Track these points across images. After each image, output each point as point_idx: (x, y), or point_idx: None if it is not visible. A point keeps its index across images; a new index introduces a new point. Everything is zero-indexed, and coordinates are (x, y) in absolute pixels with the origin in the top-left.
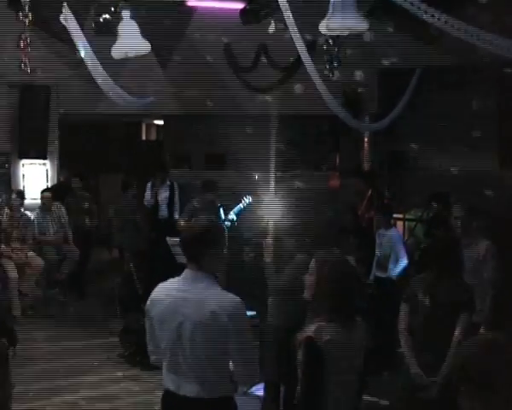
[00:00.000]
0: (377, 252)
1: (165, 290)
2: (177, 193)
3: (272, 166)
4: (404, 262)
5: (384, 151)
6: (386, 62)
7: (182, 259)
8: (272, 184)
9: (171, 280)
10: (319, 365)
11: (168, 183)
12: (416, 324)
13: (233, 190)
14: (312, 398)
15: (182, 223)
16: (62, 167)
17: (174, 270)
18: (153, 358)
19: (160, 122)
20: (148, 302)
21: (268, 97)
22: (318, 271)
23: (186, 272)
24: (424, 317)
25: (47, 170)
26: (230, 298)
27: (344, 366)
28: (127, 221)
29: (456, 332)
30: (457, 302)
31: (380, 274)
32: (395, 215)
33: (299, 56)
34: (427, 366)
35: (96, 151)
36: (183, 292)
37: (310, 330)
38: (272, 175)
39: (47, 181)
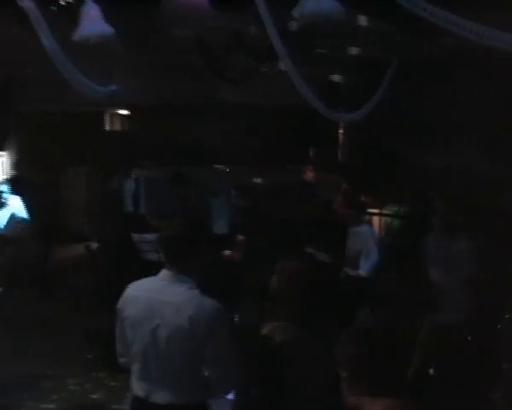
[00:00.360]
0: (347, 249)
1: (141, 290)
2: (142, 188)
3: (246, 159)
4: (374, 259)
5: (361, 144)
6: (365, 52)
7: (150, 256)
8: (245, 178)
9: (147, 279)
10: (273, 364)
11: (133, 177)
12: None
13: (204, 185)
14: (268, 398)
15: (157, 221)
16: (21, 160)
17: (138, 268)
18: (121, 360)
19: (126, 112)
20: (121, 301)
21: (241, 88)
22: (278, 272)
23: (164, 273)
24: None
25: (2, 162)
26: (210, 303)
27: (307, 368)
28: (106, 216)
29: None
30: (420, 304)
31: (349, 271)
32: (371, 210)
33: (271, 44)
34: None
35: (58, 143)
36: (160, 294)
37: (266, 329)
38: (245, 169)
39: (3, 174)
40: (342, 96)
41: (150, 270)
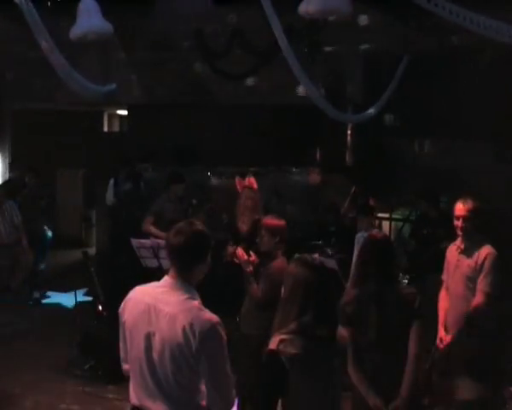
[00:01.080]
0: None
1: (142, 295)
2: (143, 190)
3: (247, 160)
4: None
5: (369, 145)
6: (372, 48)
7: (149, 262)
8: (243, 181)
9: (150, 285)
10: (281, 382)
11: (132, 178)
12: (364, 346)
13: (203, 186)
14: None
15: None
16: (15, 162)
17: (138, 274)
18: (125, 367)
19: (124, 112)
20: (123, 304)
21: (242, 86)
22: (286, 277)
23: (167, 280)
24: (372, 336)
25: None
26: (206, 317)
27: (317, 384)
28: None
29: (411, 346)
30: (406, 312)
31: None
32: (380, 215)
33: (276, 41)
34: (385, 391)
35: (53, 144)
36: (157, 300)
37: (274, 341)
38: (247, 171)
39: None
40: (350, 96)
41: (150, 277)
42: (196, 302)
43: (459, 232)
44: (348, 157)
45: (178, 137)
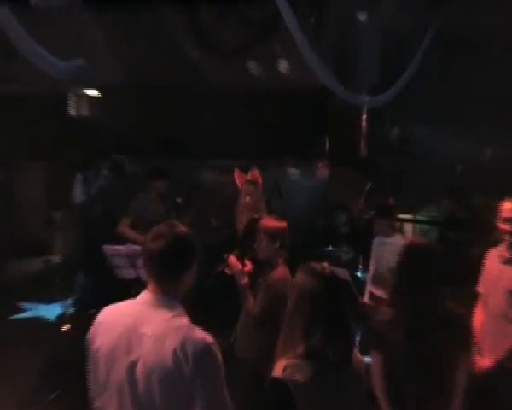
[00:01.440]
0: (373, 266)
1: (117, 317)
2: (117, 187)
3: (243, 152)
4: None
5: (387, 134)
6: (391, 17)
7: (125, 273)
8: (243, 175)
9: (123, 303)
10: None
11: (106, 173)
12: (399, 376)
13: (193, 184)
14: None
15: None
16: None
17: (112, 287)
18: (97, 404)
19: (96, 94)
20: (92, 330)
21: (239, 67)
22: (291, 289)
23: (146, 296)
24: (410, 364)
25: None
26: (198, 337)
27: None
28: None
29: (458, 378)
30: (453, 336)
31: (378, 293)
32: (402, 216)
33: (277, 10)
34: None
35: (10, 132)
36: (139, 322)
37: (278, 367)
38: (243, 164)
39: None
40: (365, 75)
41: (126, 290)
42: (185, 320)
43: (507, 238)
44: (363, 148)
45: (162, 125)
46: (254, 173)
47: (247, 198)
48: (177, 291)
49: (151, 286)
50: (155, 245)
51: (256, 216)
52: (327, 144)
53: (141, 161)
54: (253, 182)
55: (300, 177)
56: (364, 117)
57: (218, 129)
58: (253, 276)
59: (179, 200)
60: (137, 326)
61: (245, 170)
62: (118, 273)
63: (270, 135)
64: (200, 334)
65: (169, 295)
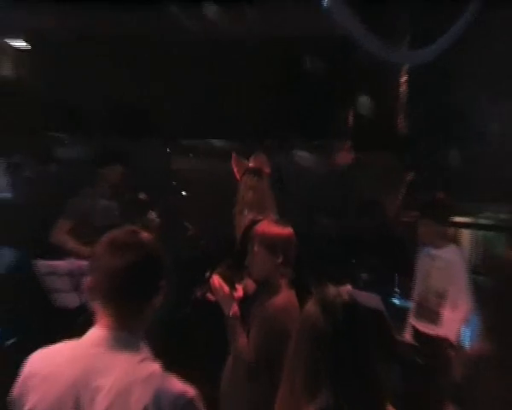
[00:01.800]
0: (417, 289)
1: (56, 366)
2: (52, 178)
3: (234, 131)
4: (467, 310)
5: (438, 103)
6: None
7: (65, 299)
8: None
9: (64, 346)
10: None
11: (35, 160)
12: None
13: (162, 173)
14: None
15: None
16: None
17: (46, 320)
18: None
19: (23, 45)
20: (20, 385)
21: (228, 12)
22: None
23: (98, 334)
24: None
25: None
26: (177, 389)
27: None
28: None
29: None
30: None
31: (424, 328)
32: (457, 219)
33: None
34: None
35: None
36: (91, 371)
37: None
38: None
39: None
40: (404, 22)
41: (68, 325)
42: (156, 366)
43: None
44: (401, 124)
45: (119, 92)
46: (259, 159)
47: (250, 193)
48: (141, 326)
49: (104, 319)
50: (117, 261)
51: (261, 218)
52: (350, 119)
53: (86, 141)
54: (256, 171)
55: (312, 164)
56: (403, 80)
57: (197, 96)
58: (245, 304)
59: (142, 196)
60: (89, 378)
61: (242, 155)
62: (55, 299)
63: (271, 106)
64: (179, 385)
65: (131, 332)
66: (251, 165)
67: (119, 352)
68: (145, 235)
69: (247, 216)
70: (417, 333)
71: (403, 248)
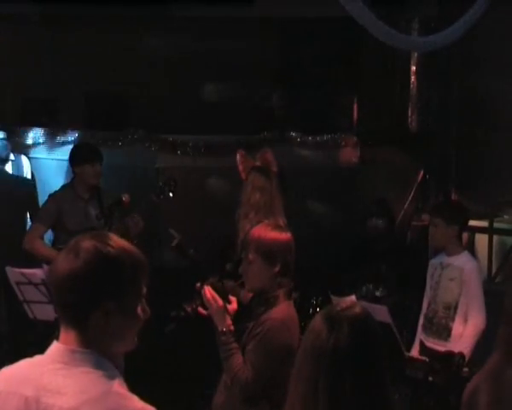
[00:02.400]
0: (426, 300)
1: (12, 384)
2: (20, 177)
3: (228, 123)
4: (480, 322)
5: (452, 95)
6: None
7: (41, 312)
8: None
9: (25, 362)
10: None
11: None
12: None
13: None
14: None
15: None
16: None
17: (20, 329)
18: None
19: None
20: None
21: None
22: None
23: (57, 349)
24: None
25: None
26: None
27: None
28: None
29: None
30: None
31: (432, 343)
32: (473, 223)
33: None
34: None
35: None
36: (44, 389)
37: None
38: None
39: None
40: (416, 6)
41: (42, 337)
42: (115, 384)
43: None
44: (412, 117)
45: (93, 77)
46: (267, 156)
47: (257, 194)
48: (105, 341)
49: (62, 332)
50: (59, 268)
51: (270, 221)
52: (355, 112)
53: (58, 134)
54: (264, 170)
55: (313, 161)
56: (415, 68)
57: (186, 84)
58: (240, 318)
59: (125, 197)
60: (40, 397)
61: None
62: (29, 312)
63: (268, 97)
64: (137, 405)
65: (92, 346)
66: (257, 163)
67: (74, 368)
68: (111, 238)
69: (254, 219)
70: (426, 349)
71: (413, 255)
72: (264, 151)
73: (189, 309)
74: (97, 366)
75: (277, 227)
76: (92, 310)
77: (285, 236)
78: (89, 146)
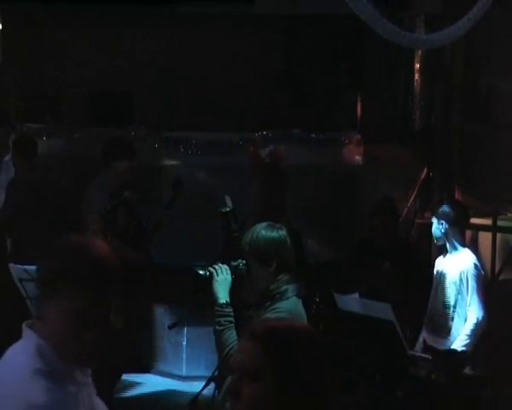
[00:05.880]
0: (431, 300)
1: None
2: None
3: (230, 120)
4: (479, 320)
5: (456, 93)
6: None
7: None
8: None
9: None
10: None
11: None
12: None
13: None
14: None
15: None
16: None
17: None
18: None
19: None
20: None
21: None
22: None
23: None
24: None
25: None
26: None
27: None
28: None
29: None
30: None
31: (434, 342)
32: (476, 221)
33: None
34: None
35: None
36: None
37: None
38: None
39: None
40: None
41: None
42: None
43: None
44: (415, 115)
45: (97, 75)
46: (277, 154)
47: (267, 192)
48: (56, 334)
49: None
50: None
51: (263, 222)
52: (359, 110)
53: (65, 130)
54: (273, 167)
55: (316, 158)
56: (418, 66)
57: (188, 82)
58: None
59: (128, 194)
60: None
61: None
62: (33, 308)
63: (271, 95)
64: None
65: (42, 337)
66: (267, 160)
67: (19, 356)
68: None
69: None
70: (428, 347)
71: (416, 253)
72: (274, 148)
73: (201, 272)
74: (39, 355)
75: (269, 226)
76: (52, 302)
77: (277, 234)
78: (121, 138)
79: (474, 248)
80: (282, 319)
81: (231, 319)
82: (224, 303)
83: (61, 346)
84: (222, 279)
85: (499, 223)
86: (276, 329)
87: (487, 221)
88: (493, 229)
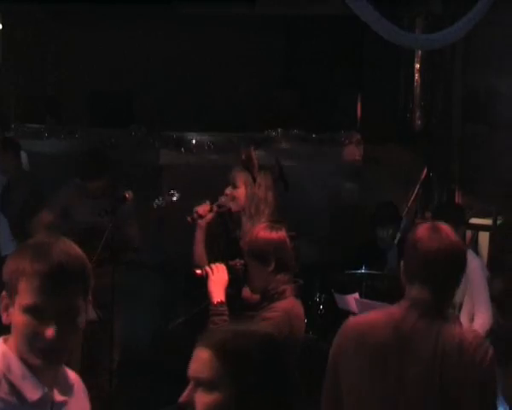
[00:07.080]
0: None
1: None
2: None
3: (230, 120)
4: (486, 320)
5: (456, 92)
6: None
7: None
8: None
9: None
10: None
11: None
12: None
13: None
14: None
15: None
16: None
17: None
18: None
19: None
20: None
21: None
22: None
23: None
24: None
25: None
26: None
27: None
28: None
29: None
30: None
31: None
32: (476, 221)
33: None
34: None
35: None
36: None
37: None
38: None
39: None
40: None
41: None
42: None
43: None
44: (415, 115)
45: (97, 74)
46: (251, 154)
47: (269, 194)
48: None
49: None
50: None
51: (263, 222)
52: (359, 110)
53: (65, 132)
54: (272, 169)
55: (315, 159)
56: (418, 66)
57: (189, 82)
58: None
59: (128, 194)
60: None
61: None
62: None
63: (271, 95)
64: None
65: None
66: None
67: None
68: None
69: (262, 219)
70: None
71: None
72: (248, 149)
73: (198, 271)
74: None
75: (269, 227)
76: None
77: (276, 234)
78: (96, 162)
79: (474, 248)
80: (240, 327)
81: (226, 318)
82: (218, 302)
83: (23, 346)
84: (218, 279)
85: (499, 223)
86: (231, 337)
87: (487, 221)
88: (493, 229)
